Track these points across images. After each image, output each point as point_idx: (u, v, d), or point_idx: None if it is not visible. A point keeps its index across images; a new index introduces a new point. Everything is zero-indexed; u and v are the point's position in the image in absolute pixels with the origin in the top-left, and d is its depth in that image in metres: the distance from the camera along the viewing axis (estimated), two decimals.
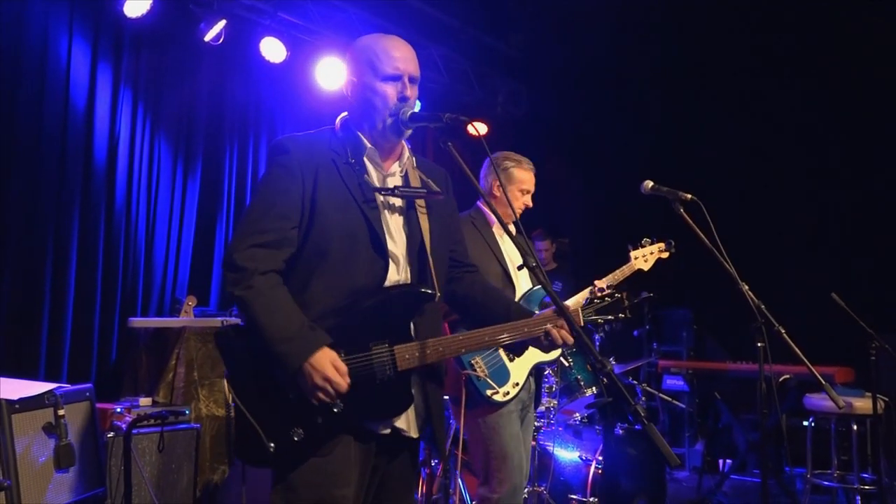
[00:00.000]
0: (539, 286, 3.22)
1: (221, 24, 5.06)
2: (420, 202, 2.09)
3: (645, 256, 3.44)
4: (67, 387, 3.23)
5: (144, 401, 3.99)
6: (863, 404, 4.45)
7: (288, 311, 1.87)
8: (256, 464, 1.94)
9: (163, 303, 5.13)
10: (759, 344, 2.83)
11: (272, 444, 1.86)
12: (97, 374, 4.63)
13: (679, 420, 6.26)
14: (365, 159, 2.06)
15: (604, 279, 3.38)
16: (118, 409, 3.66)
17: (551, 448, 4.30)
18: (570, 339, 2.04)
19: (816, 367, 2.82)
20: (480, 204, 3.35)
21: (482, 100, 7.11)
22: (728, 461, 5.83)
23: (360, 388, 1.87)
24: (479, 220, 3.30)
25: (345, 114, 2.14)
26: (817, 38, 5.92)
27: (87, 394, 3.32)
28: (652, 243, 3.47)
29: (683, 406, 5.97)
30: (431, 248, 2.06)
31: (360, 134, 2.07)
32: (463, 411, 3.03)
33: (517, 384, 3.09)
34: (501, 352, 3.08)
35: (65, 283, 4.54)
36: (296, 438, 1.86)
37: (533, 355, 3.18)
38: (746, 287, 2.91)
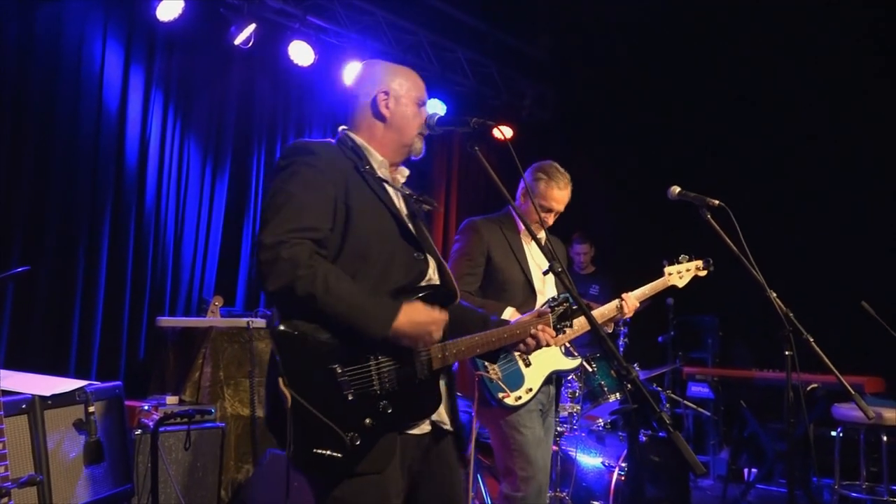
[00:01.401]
0: (565, 292, 3.20)
1: (251, 27, 5.13)
2: (418, 212, 2.19)
3: (680, 273, 3.37)
4: (97, 384, 3.28)
5: (171, 399, 4.04)
6: (893, 415, 4.36)
7: (355, 286, 1.86)
8: (322, 468, 1.77)
9: (190, 303, 5.20)
10: (786, 352, 2.79)
11: (337, 453, 1.75)
12: (125, 372, 4.71)
13: (704, 428, 6.20)
14: (375, 168, 2.11)
15: (635, 292, 3.30)
16: (146, 407, 3.72)
17: (574, 453, 4.29)
18: (549, 341, 2.16)
19: (846, 377, 2.78)
20: (511, 208, 3.28)
21: (508, 103, 7.10)
22: (754, 470, 5.75)
23: (401, 387, 1.89)
24: (507, 225, 3.28)
25: (344, 126, 2.19)
26: (851, 36, 5.83)
27: (117, 391, 3.38)
28: (689, 260, 3.39)
29: (708, 413, 5.90)
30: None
31: (368, 146, 2.14)
32: (475, 410, 3.03)
33: (530, 390, 3.07)
34: (518, 357, 3.08)
35: (95, 283, 4.63)
36: (356, 443, 1.78)
37: (550, 363, 3.18)
38: (774, 294, 2.88)
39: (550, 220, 3.32)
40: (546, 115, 7.34)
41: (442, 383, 2.05)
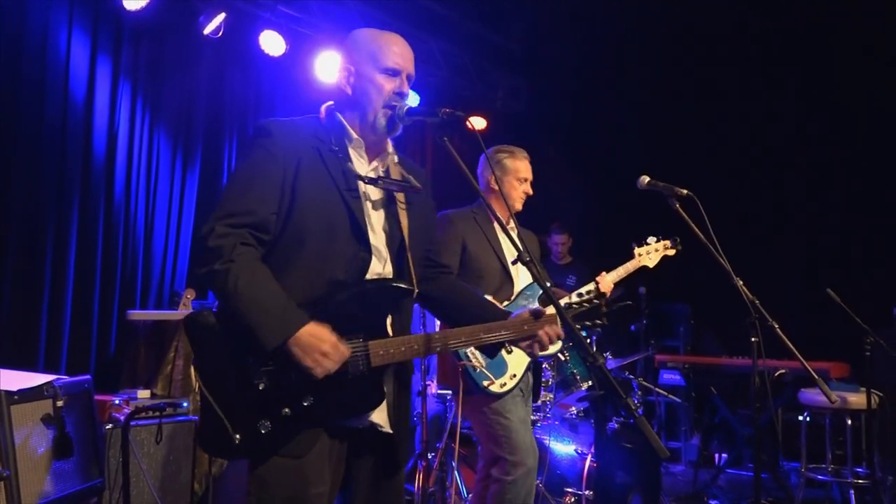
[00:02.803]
0: (531, 284, 3.26)
1: (221, 17, 5.06)
2: (400, 198, 2.08)
3: (650, 253, 3.48)
4: (66, 378, 3.24)
5: (143, 393, 4.01)
6: (857, 399, 4.47)
7: (274, 286, 1.83)
8: (221, 455, 1.93)
9: (161, 295, 5.14)
10: (752, 339, 2.86)
11: (238, 436, 1.80)
12: (95, 366, 4.64)
13: (676, 414, 6.29)
14: (350, 149, 2.03)
15: (610, 273, 3.43)
16: (116, 401, 3.68)
17: (547, 442, 4.33)
18: (556, 338, 2.06)
19: (812, 363, 2.84)
20: (482, 199, 3.36)
21: (482, 94, 7.10)
22: (724, 455, 5.86)
23: (332, 382, 1.83)
24: (480, 216, 3.34)
25: (330, 102, 2.11)
26: (815, 34, 5.93)
27: (86, 385, 3.34)
28: (658, 241, 3.50)
29: (679, 400, 5.99)
30: (410, 245, 2.04)
31: (346, 123, 2.04)
32: (458, 401, 3.05)
33: (514, 375, 3.12)
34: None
35: (64, 276, 4.55)
36: (262, 431, 1.81)
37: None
38: (741, 282, 2.93)
39: (530, 189, 3.37)
40: (519, 106, 7.35)
41: (388, 382, 1.98)
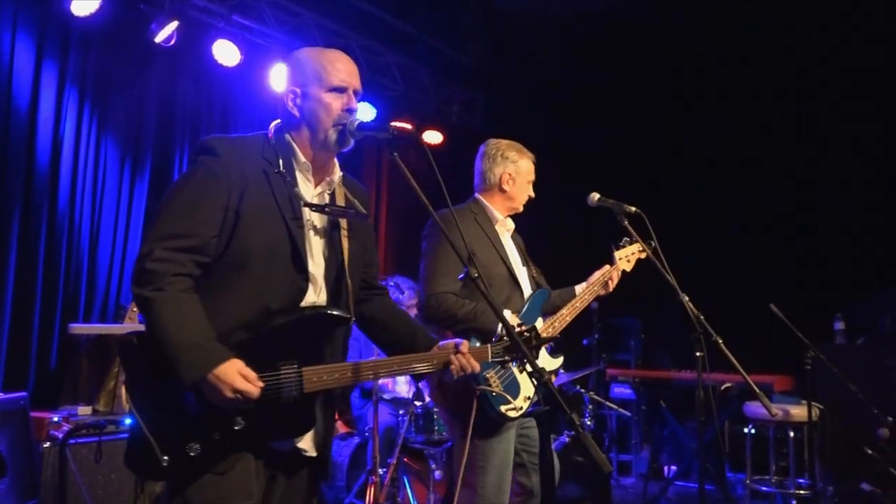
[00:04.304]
0: (539, 291, 3.11)
1: (173, 25, 4.97)
2: (344, 224, 2.07)
3: (627, 257, 3.33)
4: (1, 395, 3.12)
5: (83, 409, 3.89)
6: (799, 412, 4.60)
7: (197, 320, 1.82)
8: (148, 476, 1.95)
9: (106, 309, 5.00)
10: (697, 354, 2.91)
11: (166, 458, 1.79)
12: (35, 381, 4.48)
13: (627, 428, 6.36)
14: (297, 172, 2.02)
15: (587, 283, 3.26)
16: (55, 419, 3.56)
17: None
18: (472, 368, 2.05)
19: (756, 376, 2.91)
20: (480, 196, 3.17)
21: (438, 108, 7.12)
22: (673, 467, 5.95)
23: (263, 407, 1.83)
24: (481, 216, 3.11)
25: (278, 121, 2.09)
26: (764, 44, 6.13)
27: (21, 402, 3.22)
28: (630, 243, 3.36)
29: (630, 414, 6.07)
30: (350, 271, 2.05)
31: (294, 145, 2.03)
32: (471, 426, 2.76)
33: (528, 398, 2.89)
34: (512, 364, 2.79)
35: (3, 288, 4.40)
36: (191, 454, 1.81)
37: (542, 365, 3.08)
38: (686, 298, 2.98)
39: (533, 193, 3.21)
40: (475, 121, 7.40)
41: (318, 408, 1.97)
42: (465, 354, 2.05)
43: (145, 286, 1.80)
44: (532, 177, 3.20)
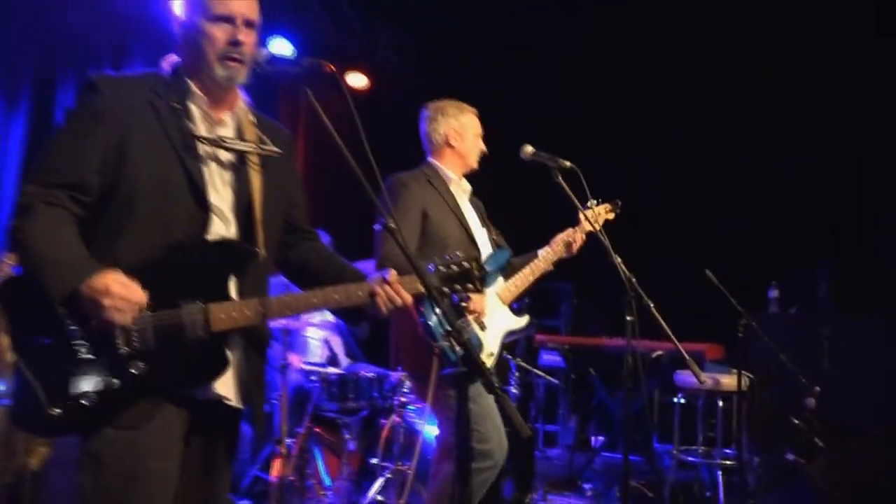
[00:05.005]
0: (498, 250, 3.22)
1: None
2: (254, 159, 2.06)
3: (595, 218, 3.40)
4: None
5: None
6: (729, 381, 4.81)
7: (70, 238, 1.83)
8: (38, 432, 1.94)
9: None
10: (627, 318, 3.00)
11: (56, 410, 1.77)
12: None
13: (554, 397, 6.54)
14: (191, 105, 2.02)
15: (549, 245, 3.35)
16: None
17: (420, 425, 4.36)
18: (403, 300, 2.03)
19: (688, 344, 3.02)
20: (434, 158, 3.30)
21: (365, 50, 6.97)
22: (600, 438, 6.17)
23: (166, 349, 1.83)
24: (435, 178, 3.22)
25: (172, 55, 2.09)
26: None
27: None
28: (598, 204, 3.45)
29: (558, 382, 6.21)
30: (261, 206, 2.04)
31: (187, 78, 2.03)
32: (432, 387, 2.88)
33: (491, 354, 3.05)
34: (473, 322, 3.01)
35: None
36: (86, 403, 1.78)
37: (503, 323, 3.18)
38: (619, 260, 3.06)
39: (483, 146, 3.35)
40: (404, 64, 7.27)
41: (235, 351, 1.97)
42: (392, 284, 2.02)
43: (16, 219, 1.83)
44: (478, 129, 3.35)
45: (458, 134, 3.27)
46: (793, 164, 6.23)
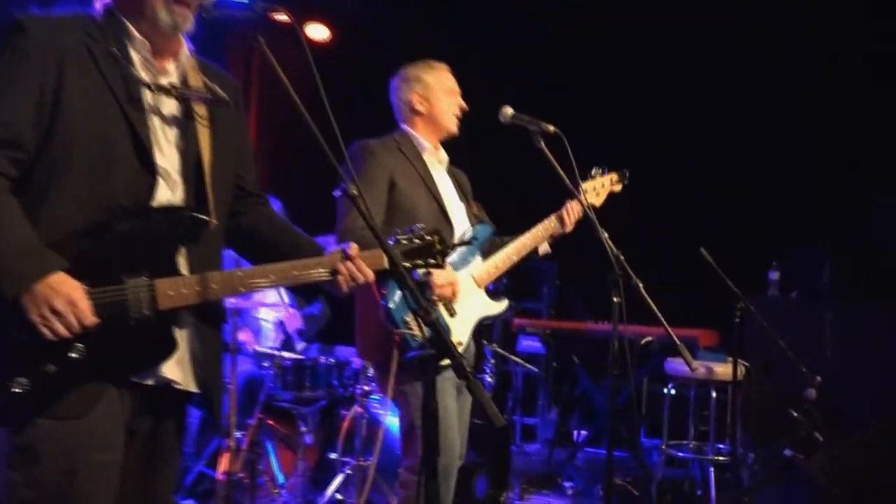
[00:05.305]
0: (479, 225, 3.16)
1: None
2: (201, 113, 2.00)
3: (597, 190, 3.35)
4: None
5: None
6: (723, 370, 4.72)
7: (15, 223, 1.75)
8: None
9: None
10: (614, 299, 2.92)
11: (20, 386, 1.70)
12: None
13: (534, 387, 6.48)
14: (131, 51, 1.94)
15: (542, 224, 3.27)
16: None
17: (383, 416, 4.29)
18: (365, 276, 2.00)
19: (680, 329, 2.96)
20: (406, 126, 3.24)
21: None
22: (584, 432, 6.13)
23: (107, 329, 1.77)
24: (406, 146, 3.15)
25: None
26: None
27: None
28: (602, 174, 3.39)
29: (538, 371, 6.15)
30: (211, 167, 1.98)
31: (126, 21, 1.94)
32: (392, 379, 2.82)
33: (460, 343, 2.95)
34: (442, 307, 2.92)
35: None
36: (17, 390, 1.71)
37: (477, 308, 3.08)
38: (606, 235, 2.98)
39: (463, 102, 3.28)
40: (370, 17, 7.14)
41: (185, 331, 1.93)
42: (354, 259, 1.98)
43: None
44: (449, 85, 3.24)
45: (424, 98, 3.18)
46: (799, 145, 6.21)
